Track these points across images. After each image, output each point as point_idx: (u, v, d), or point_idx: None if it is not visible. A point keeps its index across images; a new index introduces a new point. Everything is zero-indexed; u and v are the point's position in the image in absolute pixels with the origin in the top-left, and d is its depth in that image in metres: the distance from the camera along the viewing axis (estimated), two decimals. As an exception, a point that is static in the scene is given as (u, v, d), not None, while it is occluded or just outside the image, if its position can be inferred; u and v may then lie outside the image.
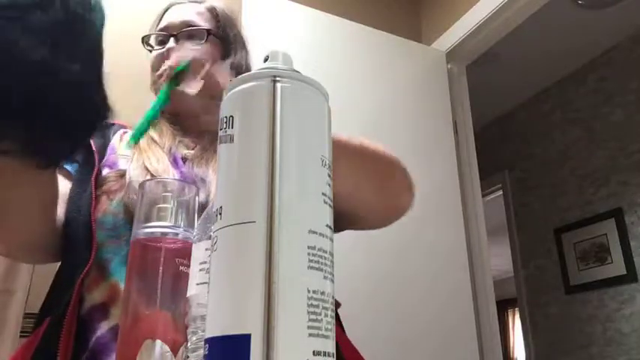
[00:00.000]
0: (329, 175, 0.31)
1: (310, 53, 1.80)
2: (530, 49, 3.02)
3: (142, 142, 0.78)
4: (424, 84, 2.13)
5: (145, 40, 0.88)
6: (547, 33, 2.88)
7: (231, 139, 0.30)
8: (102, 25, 0.52)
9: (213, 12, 0.89)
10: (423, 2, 2.48)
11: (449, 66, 2.25)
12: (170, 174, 0.73)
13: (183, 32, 0.84)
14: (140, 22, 1.78)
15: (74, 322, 0.62)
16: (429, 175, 1.96)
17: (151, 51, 0.87)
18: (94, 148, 0.77)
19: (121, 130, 0.86)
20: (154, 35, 0.88)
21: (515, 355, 7.03)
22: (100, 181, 0.73)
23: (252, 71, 0.32)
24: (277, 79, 0.30)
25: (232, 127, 0.30)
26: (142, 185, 0.50)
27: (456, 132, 2.15)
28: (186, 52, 0.82)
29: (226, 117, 0.31)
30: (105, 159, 0.78)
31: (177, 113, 0.86)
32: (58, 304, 0.64)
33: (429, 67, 2.18)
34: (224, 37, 0.88)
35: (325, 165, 0.31)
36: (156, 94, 0.87)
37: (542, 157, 3.45)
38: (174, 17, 0.87)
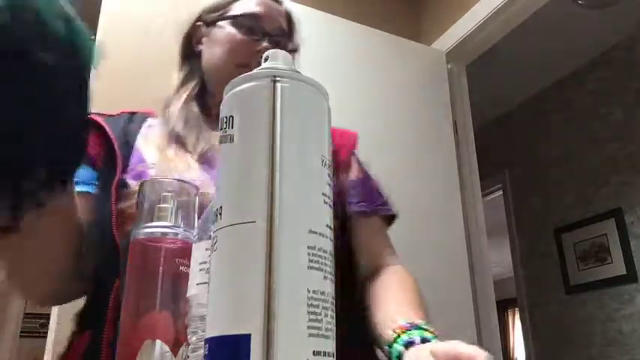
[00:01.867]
0: (329, 175, 0.31)
1: (310, 53, 1.80)
2: (530, 49, 3.02)
3: (170, 152, 0.73)
4: (424, 84, 2.13)
5: (227, 16, 0.82)
6: (547, 33, 2.88)
7: (231, 139, 0.30)
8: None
9: (290, 21, 0.89)
10: (423, 2, 2.48)
11: (449, 66, 2.25)
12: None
13: (277, 37, 0.82)
14: (141, 13, 1.77)
15: (112, 334, 0.60)
16: (429, 175, 1.96)
17: (224, 26, 0.81)
18: (117, 152, 0.70)
19: (146, 123, 0.79)
20: (242, 17, 0.81)
21: (515, 355, 7.03)
22: (123, 193, 0.67)
23: (252, 71, 0.32)
24: (277, 79, 0.30)
25: (232, 127, 0.30)
26: (141, 185, 0.50)
27: (456, 132, 2.15)
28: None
29: (226, 117, 0.31)
30: (130, 166, 0.71)
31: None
32: (97, 318, 0.62)
33: (429, 67, 2.18)
34: (294, 51, 0.89)
35: (325, 165, 0.31)
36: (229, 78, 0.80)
37: (542, 157, 3.44)
38: (266, 10, 0.83)
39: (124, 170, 0.70)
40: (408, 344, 0.55)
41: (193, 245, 0.44)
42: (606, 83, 3.11)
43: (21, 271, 0.61)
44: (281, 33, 0.84)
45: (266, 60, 0.33)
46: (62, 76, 0.43)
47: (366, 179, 0.85)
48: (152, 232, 0.47)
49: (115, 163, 0.69)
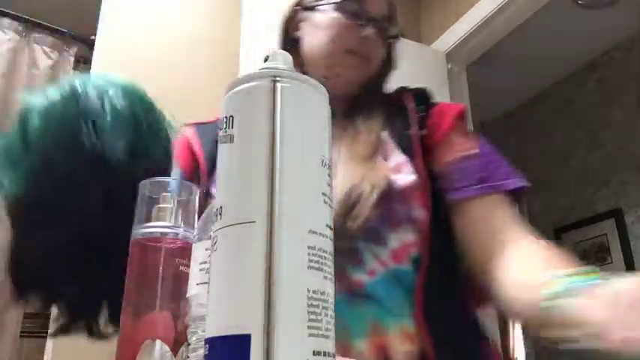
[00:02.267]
0: (329, 175, 0.31)
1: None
2: (530, 49, 3.02)
3: None
4: (424, 84, 2.12)
5: (331, 0, 0.79)
6: (547, 33, 2.88)
7: (231, 139, 0.30)
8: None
9: (391, 6, 0.85)
10: (423, 2, 2.48)
11: (449, 66, 2.25)
12: None
13: (381, 22, 0.80)
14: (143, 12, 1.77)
15: None
16: (429, 175, 1.96)
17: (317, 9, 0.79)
18: (200, 163, 0.72)
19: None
20: (346, 1, 0.78)
21: (515, 355, 7.02)
22: (208, 203, 0.67)
23: (252, 71, 0.32)
24: (277, 79, 0.30)
25: (232, 127, 0.30)
26: (141, 185, 0.50)
27: (456, 132, 2.15)
28: (376, 50, 0.80)
29: (226, 117, 0.31)
30: (215, 175, 0.73)
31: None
32: None
33: (429, 67, 2.18)
34: (396, 38, 0.88)
35: (325, 165, 0.31)
36: (337, 64, 0.77)
37: (543, 157, 3.44)
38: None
39: (210, 179, 0.71)
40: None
41: (193, 245, 0.44)
42: (606, 83, 3.11)
43: None
44: (384, 18, 0.81)
45: (266, 60, 0.33)
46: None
47: (472, 156, 0.75)
48: (152, 232, 0.47)
49: (200, 175, 0.71)
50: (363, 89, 0.81)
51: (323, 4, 0.78)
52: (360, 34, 0.76)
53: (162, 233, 0.47)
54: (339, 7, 0.77)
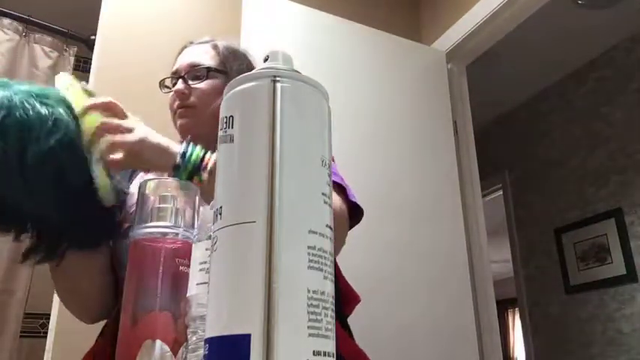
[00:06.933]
0: (329, 175, 0.31)
1: (310, 53, 1.80)
2: (531, 48, 3.02)
3: None
4: (424, 84, 2.13)
5: (161, 83, 0.97)
6: (547, 33, 2.88)
7: (231, 139, 0.30)
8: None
9: (216, 49, 0.97)
10: (423, 2, 2.48)
11: (449, 66, 2.24)
12: None
13: (189, 73, 0.93)
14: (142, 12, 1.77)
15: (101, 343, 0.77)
16: (429, 175, 1.96)
17: (168, 92, 0.97)
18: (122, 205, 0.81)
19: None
20: (168, 78, 0.97)
21: (515, 355, 7.03)
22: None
23: (252, 71, 0.32)
24: (277, 79, 0.30)
25: (232, 127, 0.30)
26: (142, 186, 0.50)
27: (456, 132, 2.15)
28: (198, 97, 0.91)
29: (226, 117, 0.31)
30: (126, 210, 0.83)
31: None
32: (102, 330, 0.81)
33: (429, 67, 2.18)
34: (225, 70, 0.95)
35: (325, 165, 0.31)
36: (175, 128, 0.94)
37: (542, 157, 3.44)
38: (183, 59, 0.95)
39: (126, 216, 0.80)
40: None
41: (193, 245, 0.44)
42: (606, 83, 3.11)
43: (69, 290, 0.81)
44: (192, 67, 0.93)
45: (266, 60, 0.33)
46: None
47: None
48: (152, 232, 0.47)
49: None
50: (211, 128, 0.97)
51: (167, 86, 0.97)
52: (175, 93, 0.92)
53: (162, 233, 0.47)
54: (172, 84, 0.95)
